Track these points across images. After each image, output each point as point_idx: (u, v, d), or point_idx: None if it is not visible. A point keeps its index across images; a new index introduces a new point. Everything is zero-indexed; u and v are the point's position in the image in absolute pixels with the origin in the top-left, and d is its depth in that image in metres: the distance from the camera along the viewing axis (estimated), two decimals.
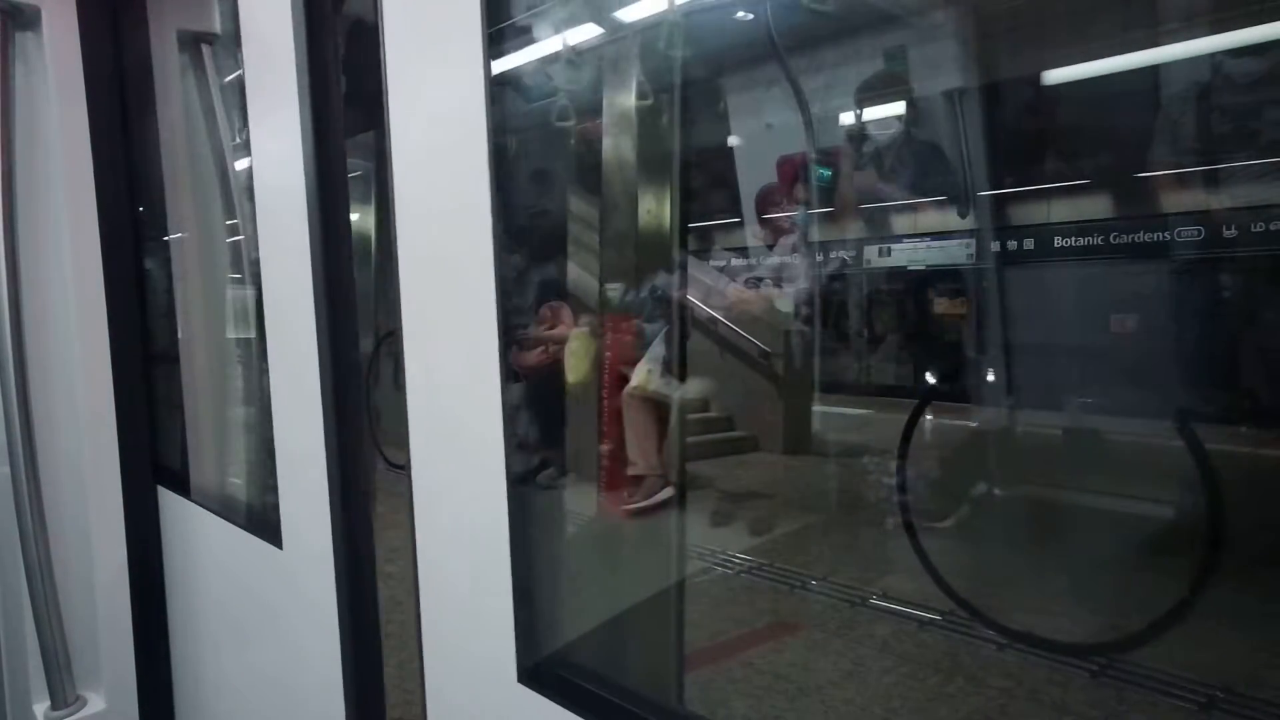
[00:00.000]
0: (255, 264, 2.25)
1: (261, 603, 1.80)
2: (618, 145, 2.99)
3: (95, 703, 2.16)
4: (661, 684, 1.53)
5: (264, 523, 2.01)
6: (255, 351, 2.30)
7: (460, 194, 1.11)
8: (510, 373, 1.12)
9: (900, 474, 2.75)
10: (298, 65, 1.38)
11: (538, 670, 1.09)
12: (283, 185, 1.46)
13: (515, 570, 1.09)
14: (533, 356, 3.82)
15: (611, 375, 3.22)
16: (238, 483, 2.23)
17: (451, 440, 1.20)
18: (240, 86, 2.45)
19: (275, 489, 2.07)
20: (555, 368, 3.36)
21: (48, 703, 2.09)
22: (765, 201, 3.72)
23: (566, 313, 3.86)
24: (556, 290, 3.37)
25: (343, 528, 1.41)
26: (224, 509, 2.03)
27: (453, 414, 1.20)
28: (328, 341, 1.40)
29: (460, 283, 1.14)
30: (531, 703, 1.06)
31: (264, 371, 2.25)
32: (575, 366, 3.69)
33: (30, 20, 2.06)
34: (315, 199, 1.37)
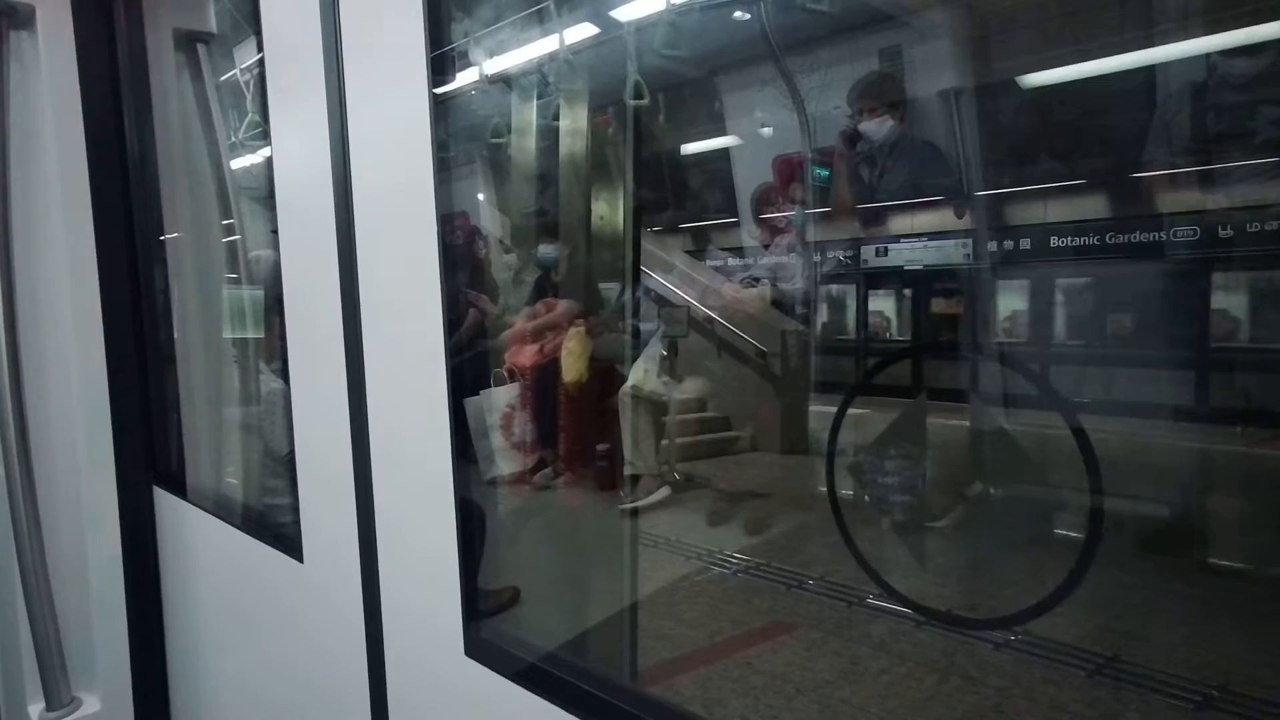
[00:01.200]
0: (251, 265, 2.25)
1: (277, 613, 1.79)
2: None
3: (90, 704, 2.15)
4: (608, 658, 1.68)
5: (263, 522, 2.01)
6: (252, 352, 2.30)
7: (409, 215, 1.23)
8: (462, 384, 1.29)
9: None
10: (325, 64, 1.38)
11: (482, 644, 1.22)
12: (308, 186, 1.46)
13: (462, 556, 1.23)
14: (527, 355, 3.84)
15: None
16: (237, 484, 2.23)
17: (405, 444, 1.33)
18: (236, 86, 2.46)
19: (274, 489, 2.08)
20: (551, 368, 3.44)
21: (43, 704, 2.08)
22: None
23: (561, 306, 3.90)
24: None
25: (368, 545, 1.42)
26: (225, 512, 2.03)
27: (407, 422, 1.32)
28: (356, 352, 1.40)
29: (409, 294, 1.26)
30: (476, 673, 1.21)
31: (260, 371, 2.25)
32: (571, 365, 3.70)
33: (25, 19, 2.05)
34: (342, 201, 1.37)
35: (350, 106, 1.33)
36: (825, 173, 3.53)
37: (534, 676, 1.15)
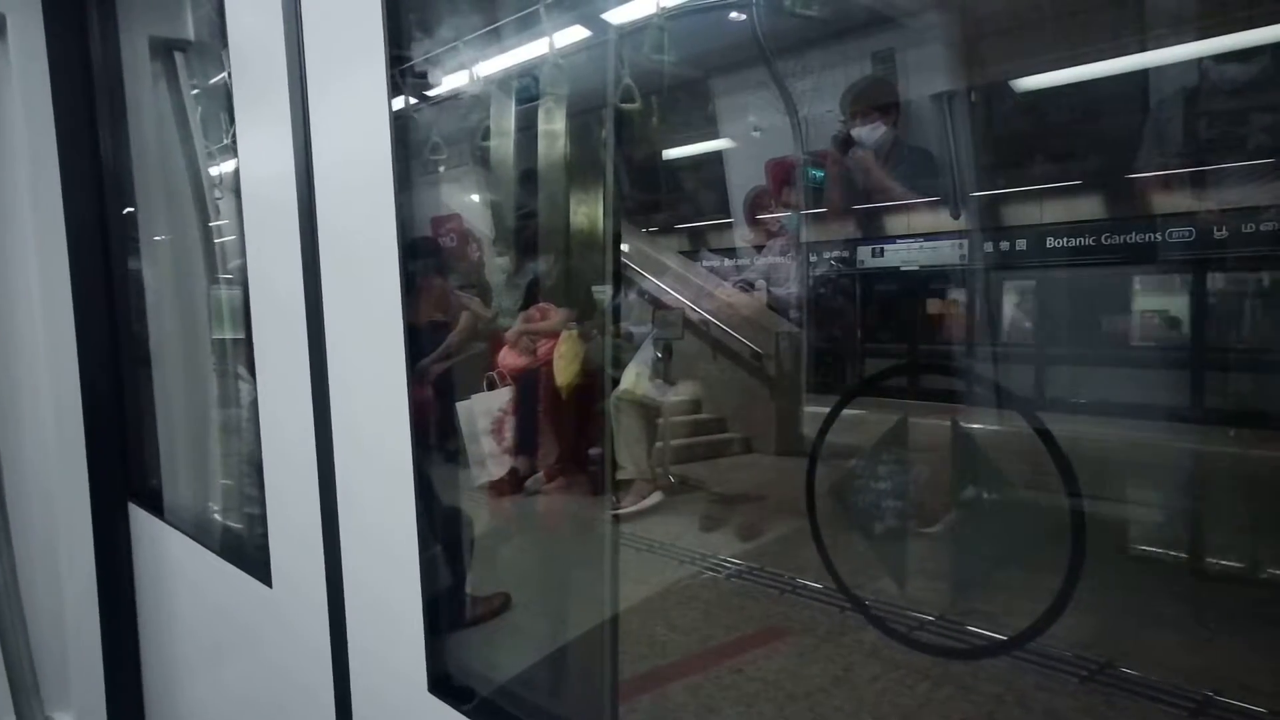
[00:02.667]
0: (230, 276, 2.22)
1: (247, 636, 1.76)
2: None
3: None
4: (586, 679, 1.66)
5: (240, 546, 1.98)
6: (231, 362, 2.26)
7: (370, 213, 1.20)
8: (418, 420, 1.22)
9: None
10: (289, 71, 1.35)
11: (445, 681, 1.21)
12: (273, 192, 1.43)
13: (425, 592, 1.21)
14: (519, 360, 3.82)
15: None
16: (210, 504, 2.19)
17: (370, 472, 1.31)
18: (216, 93, 2.42)
19: (250, 508, 2.04)
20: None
21: None
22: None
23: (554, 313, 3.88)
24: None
25: (334, 572, 1.39)
26: (199, 531, 2.00)
27: (371, 453, 1.30)
28: (320, 371, 1.36)
29: (372, 314, 1.24)
30: (439, 711, 1.18)
31: (240, 381, 2.22)
32: (564, 369, 3.68)
33: None
34: (306, 212, 1.34)
35: (313, 111, 1.31)
36: (822, 174, 3.49)
37: (498, 715, 1.12)
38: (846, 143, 3.11)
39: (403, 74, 1.27)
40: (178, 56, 2.30)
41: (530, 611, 2.31)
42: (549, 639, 2.00)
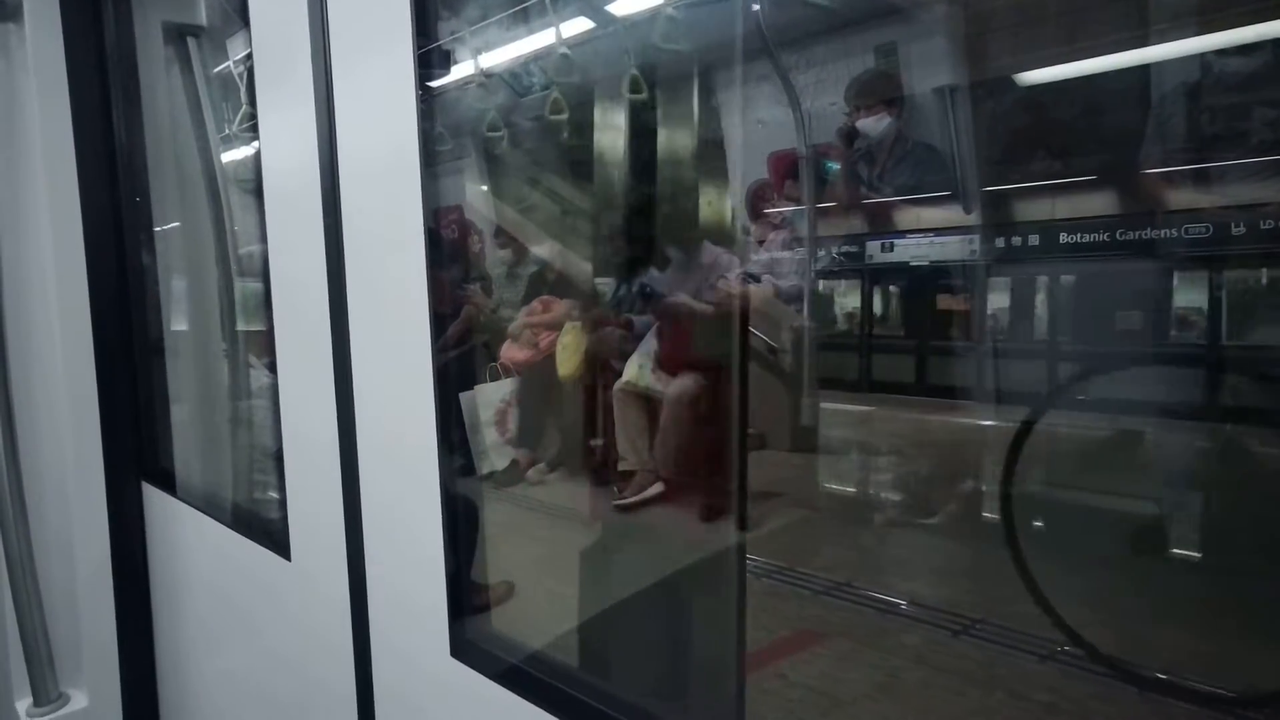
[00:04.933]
0: (243, 260, 2.24)
1: (264, 609, 1.78)
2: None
3: (78, 700, 2.14)
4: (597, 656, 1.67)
5: (252, 519, 2.01)
6: (242, 347, 2.29)
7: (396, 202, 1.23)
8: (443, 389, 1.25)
9: None
10: (313, 56, 1.37)
11: (467, 646, 1.23)
12: (296, 177, 1.45)
13: (448, 557, 1.24)
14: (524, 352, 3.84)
15: None
16: (225, 481, 2.21)
17: (392, 442, 1.33)
18: (227, 79, 2.44)
19: (262, 485, 2.07)
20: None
21: (30, 699, 2.08)
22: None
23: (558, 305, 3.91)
24: None
25: (355, 545, 1.41)
26: (214, 509, 2.02)
27: (393, 420, 1.32)
28: (343, 348, 1.38)
29: (396, 289, 1.26)
30: (462, 674, 1.22)
31: (253, 364, 2.24)
32: (566, 360, 3.70)
33: (11, 11, 2.04)
34: (330, 191, 1.36)
35: (338, 98, 1.33)
36: (836, 167, 3.52)
37: (518, 678, 1.15)
38: (851, 135, 3.15)
39: (428, 55, 1.29)
40: (191, 42, 2.32)
41: (536, 597, 2.32)
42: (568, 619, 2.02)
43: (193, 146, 2.28)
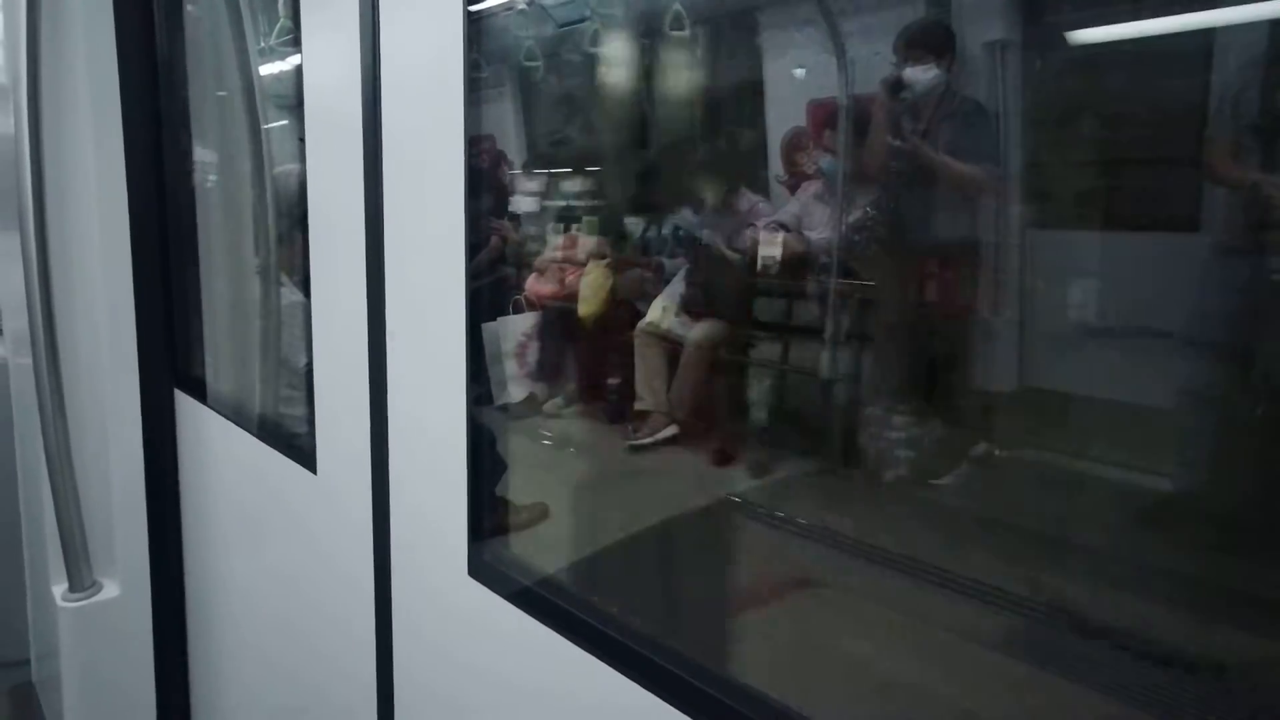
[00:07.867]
0: (277, 179, 2.25)
1: (288, 519, 1.85)
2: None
3: (110, 589, 2.26)
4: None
5: (278, 431, 2.07)
6: (273, 264, 2.32)
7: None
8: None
9: None
10: None
11: (484, 566, 1.27)
12: (337, 95, 1.45)
13: (470, 478, 1.27)
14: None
15: None
16: (256, 393, 2.27)
17: (422, 368, 1.36)
18: None
19: (291, 399, 2.13)
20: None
21: (65, 585, 2.19)
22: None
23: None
24: None
25: (380, 463, 1.46)
26: (243, 419, 2.08)
27: (424, 340, 1.33)
28: (377, 270, 1.40)
29: (432, 210, 1.27)
30: (478, 593, 1.26)
31: (281, 284, 2.28)
32: (589, 299, 3.71)
33: None
34: (370, 113, 1.36)
35: (383, 10, 1.31)
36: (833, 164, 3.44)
37: (532, 600, 1.19)
38: (896, 86, 3.06)
39: None
40: None
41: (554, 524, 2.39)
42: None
43: (232, 60, 2.27)
